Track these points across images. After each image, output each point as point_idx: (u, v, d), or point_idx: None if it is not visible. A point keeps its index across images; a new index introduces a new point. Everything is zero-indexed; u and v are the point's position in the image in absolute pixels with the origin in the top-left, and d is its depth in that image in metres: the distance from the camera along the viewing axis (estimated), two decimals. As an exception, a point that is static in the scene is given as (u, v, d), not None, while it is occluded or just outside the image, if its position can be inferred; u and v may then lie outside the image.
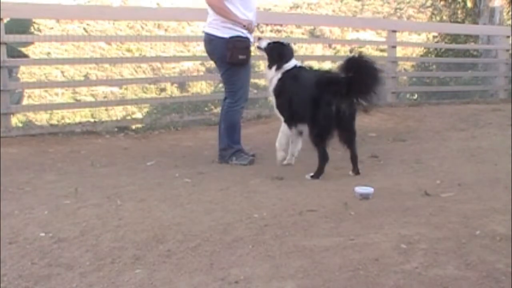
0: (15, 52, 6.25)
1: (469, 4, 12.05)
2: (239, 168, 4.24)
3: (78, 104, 11.38)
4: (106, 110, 10.33)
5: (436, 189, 3.43)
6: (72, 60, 12.68)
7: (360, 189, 3.29)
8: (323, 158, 3.89)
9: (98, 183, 3.76)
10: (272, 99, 4.37)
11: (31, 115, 8.50)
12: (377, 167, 4.21)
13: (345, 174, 4.00)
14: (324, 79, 3.92)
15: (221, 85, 12.18)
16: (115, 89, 14.27)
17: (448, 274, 2.11)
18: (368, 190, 3.29)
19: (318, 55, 17.56)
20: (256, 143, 5.36)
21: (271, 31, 22.91)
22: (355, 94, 3.79)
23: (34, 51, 12.87)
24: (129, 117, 8.27)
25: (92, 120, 7.49)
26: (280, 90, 4.15)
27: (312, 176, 3.85)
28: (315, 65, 16.56)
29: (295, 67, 4.15)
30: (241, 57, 4.24)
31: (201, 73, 16.52)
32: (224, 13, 4.20)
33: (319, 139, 3.88)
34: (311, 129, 3.91)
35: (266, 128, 6.09)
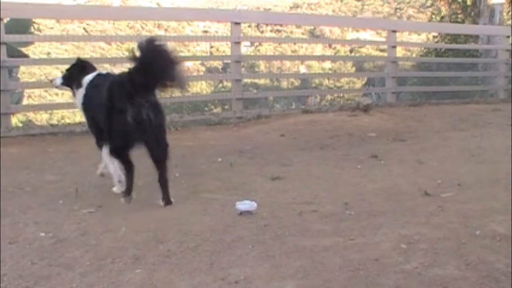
0: (15, 52, 6.26)
1: (469, 3, 12.07)
2: (239, 168, 4.24)
3: (78, 104, 11.38)
4: (106, 110, 10.32)
5: (436, 189, 3.43)
6: (72, 60, 12.70)
7: (241, 205, 2.97)
8: (126, 174, 3.23)
9: (98, 183, 3.76)
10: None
11: (31, 115, 8.51)
12: (377, 167, 4.21)
13: (345, 174, 4.00)
14: (115, 81, 3.12)
15: (221, 85, 12.22)
16: (115, 89, 14.26)
17: (448, 274, 2.11)
18: (249, 205, 2.97)
19: (318, 55, 17.58)
20: (256, 143, 5.36)
21: (271, 31, 22.90)
22: (145, 89, 2.99)
23: (34, 51, 12.90)
24: (129, 117, 8.26)
25: (92, 120, 7.48)
26: (86, 106, 3.47)
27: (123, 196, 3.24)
28: (315, 65, 16.56)
29: (97, 76, 3.47)
30: None
31: (201, 73, 16.53)
32: None
33: (114, 155, 3.18)
34: (108, 144, 3.18)
35: (266, 128, 6.09)
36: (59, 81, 3.77)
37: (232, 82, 7.03)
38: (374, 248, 2.38)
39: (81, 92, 3.50)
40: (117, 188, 3.42)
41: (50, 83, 3.99)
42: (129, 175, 3.22)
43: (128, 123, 2.98)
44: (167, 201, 3.14)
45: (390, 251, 2.35)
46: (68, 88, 3.74)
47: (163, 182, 3.14)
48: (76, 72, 3.64)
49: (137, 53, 2.94)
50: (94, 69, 3.67)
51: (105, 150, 3.31)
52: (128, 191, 3.22)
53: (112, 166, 3.37)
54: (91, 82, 3.45)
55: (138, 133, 3.02)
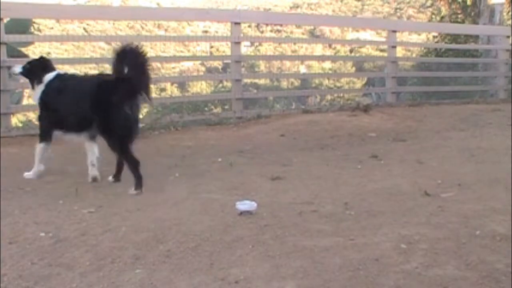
0: (15, 52, 6.25)
1: (469, 3, 12.07)
2: (239, 168, 4.24)
3: (78, 104, 11.35)
4: (106, 110, 10.30)
5: (436, 189, 3.43)
6: (72, 60, 12.69)
7: (241, 205, 2.98)
8: (135, 165, 3.56)
9: (98, 183, 3.76)
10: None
11: (31, 115, 8.50)
12: (377, 167, 4.21)
13: (345, 174, 4.00)
14: (107, 81, 3.60)
15: (221, 85, 12.22)
16: (115, 89, 14.25)
17: (448, 274, 2.12)
18: (249, 205, 2.98)
19: (318, 55, 17.57)
20: (256, 143, 5.36)
21: (271, 31, 22.90)
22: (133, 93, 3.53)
23: (34, 51, 12.86)
24: (129, 117, 8.26)
25: (92, 120, 7.47)
26: (44, 102, 3.85)
27: (136, 189, 3.47)
28: (315, 65, 16.54)
29: (57, 76, 3.87)
30: None
31: (201, 73, 16.53)
32: None
33: (123, 145, 3.57)
34: (109, 136, 3.59)
35: (266, 128, 6.09)
36: (18, 69, 4.07)
37: (232, 82, 7.02)
38: (374, 248, 2.38)
39: (40, 88, 3.86)
40: (91, 170, 3.89)
41: (8, 69, 4.25)
42: (137, 170, 3.55)
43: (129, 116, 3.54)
44: (117, 179, 3.79)
45: (390, 251, 2.35)
46: (26, 79, 4.06)
47: (120, 165, 3.77)
48: (39, 68, 3.94)
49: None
50: (53, 68, 3.99)
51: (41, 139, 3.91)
52: (140, 185, 3.52)
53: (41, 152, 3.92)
54: (52, 81, 3.84)
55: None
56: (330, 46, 20.43)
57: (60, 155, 4.72)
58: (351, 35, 20.22)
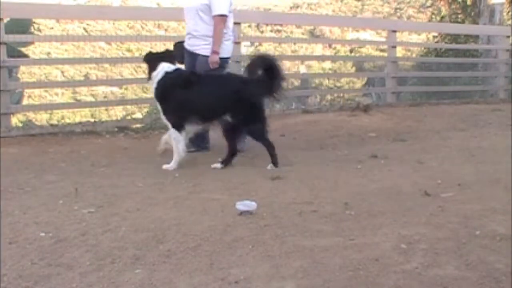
0: (15, 52, 6.27)
1: (469, 3, 12.07)
2: (239, 168, 4.24)
3: (78, 104, 11.38)
4: (106, 110, 10.34)
5: (436, 189, 3.43)
6: (72, 60, 12.66)
7: (241, 205, 2.98)
8: (272, 147, 4.31)
9: (98, 183, 3.76)
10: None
11: (31, 115, 8.51)
12: (377, 167, 4.21)
13: (345, 174, 3.99)
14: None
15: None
16: (115, 89, 14.28)
17: (448, 274, 2.12)
18: (249, 205, 2.99)
19: (318, 55, 17.55)
20: (256, 143, 5.34)
21: (271, 31, 22.89)
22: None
23: (34, 51, 12.88)
24: (129, 117, 8.28)
25: (92, 120, 7.50)
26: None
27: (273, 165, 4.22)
28: (315, 65, 16.49)
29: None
30: None
31: (201, 73, 16.45)
32: None
33: (262, 132, 4.34)
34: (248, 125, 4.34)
35: (266, 128, 6.08)
36: None
37: (232, 82, 7.00)
38: (374, 248, 2.38)
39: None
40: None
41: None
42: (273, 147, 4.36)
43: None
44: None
45: (390, 251, 2.35)
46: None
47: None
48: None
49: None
50: None
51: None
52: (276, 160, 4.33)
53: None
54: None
55: None
56: (330, 46, 20.39)
57: (60, 155, 4.73)
58: (351, 35, 20.20)
